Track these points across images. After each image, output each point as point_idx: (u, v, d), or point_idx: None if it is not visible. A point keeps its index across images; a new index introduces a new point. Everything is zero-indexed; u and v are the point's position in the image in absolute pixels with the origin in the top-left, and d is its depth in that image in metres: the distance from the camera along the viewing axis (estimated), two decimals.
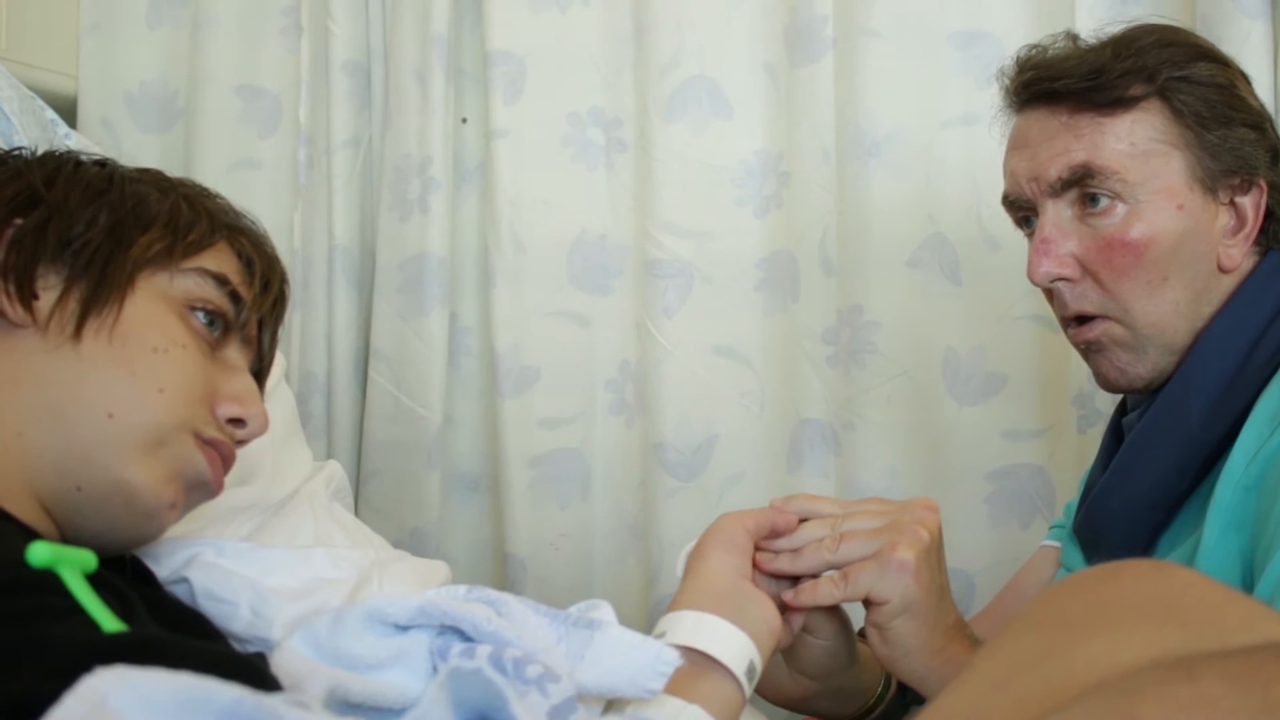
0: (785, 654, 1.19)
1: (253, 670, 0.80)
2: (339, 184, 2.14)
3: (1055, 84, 1.25)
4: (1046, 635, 0.70)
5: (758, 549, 1.11)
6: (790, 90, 2.01)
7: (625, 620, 0.89)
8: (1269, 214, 1.24)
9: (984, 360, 1.89)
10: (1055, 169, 1.24)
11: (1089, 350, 1.29)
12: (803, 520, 1.14)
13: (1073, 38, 1.31)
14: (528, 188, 2.10)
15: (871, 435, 1.93)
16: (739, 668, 0.96)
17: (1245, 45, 1.64)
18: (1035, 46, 1.31)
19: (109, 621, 0.74)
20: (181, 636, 0.87)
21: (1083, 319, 1.27)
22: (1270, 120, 1.26)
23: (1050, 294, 1.30)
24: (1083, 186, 1.23)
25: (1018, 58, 1.32)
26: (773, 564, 1.12)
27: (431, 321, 2.09)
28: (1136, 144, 1.22)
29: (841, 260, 1.96)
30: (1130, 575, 0.73)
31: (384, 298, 2.13)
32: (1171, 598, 0.69)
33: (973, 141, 1.86)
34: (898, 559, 1.07)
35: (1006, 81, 1.32)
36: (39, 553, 0.74)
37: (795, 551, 1.12)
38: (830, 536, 1.11)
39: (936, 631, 1.10)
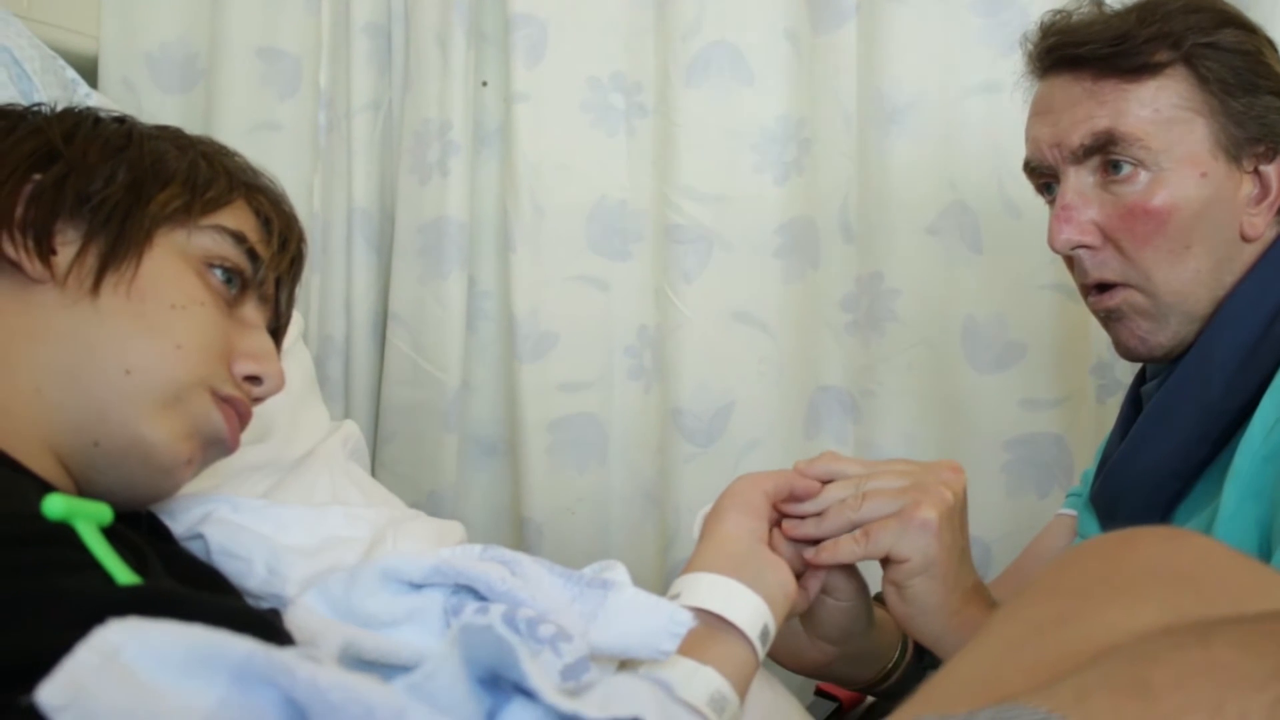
0: (804, 619, 1.19)
1: (266, 626, 0.80)
2: (359, 147, 2.14)
3: (1079, 50, 1.24)
4: (1062, 601, 0.70)
5: (780, 514, 1.11)
6: (812, 56, 2.00)
7: (642, 586, 0.89)
8: None
9: (1003, 329, 1.89)
10: (1078, 135, 1.23)
11: (1109, 318, 1.28)
12: (826, 482, 1.14)
13: (1098, 3, 1.29)
14: (548, 152, 2.09)
15: (890, 403, 1.93)
16: (753, 631, 0.96)
17: (1274, 13, 1.63)
18: (1060, 12, 1.30)
19: (124, 575, 0.75)
20: (195, 591, 0.87)
21: (1103, 287, 1.27)
22: None
23: (1071, 261, 1.29)
24: (1105, 153, 1.22)
25: (1041, 23, 1.31)
26: (798, 530, 1.12)
27: (450, 285, 2.09)
28: (1160, 111, 1.21)
29: (862, 227, 1.95)
30: (1146, 542, 0.73)
31: (403, 261, 2.13)
32: (1186, 564, 0.69)
33: (995, 109, 1.85)
34: (920, 518, 1.07)
35: (1030, 47, 1.31)
36: (54, 505, 0.74)
37: (819, 515, 1.12)
38: (854, 495, 1.11)
39: (955, 593, 1.10)
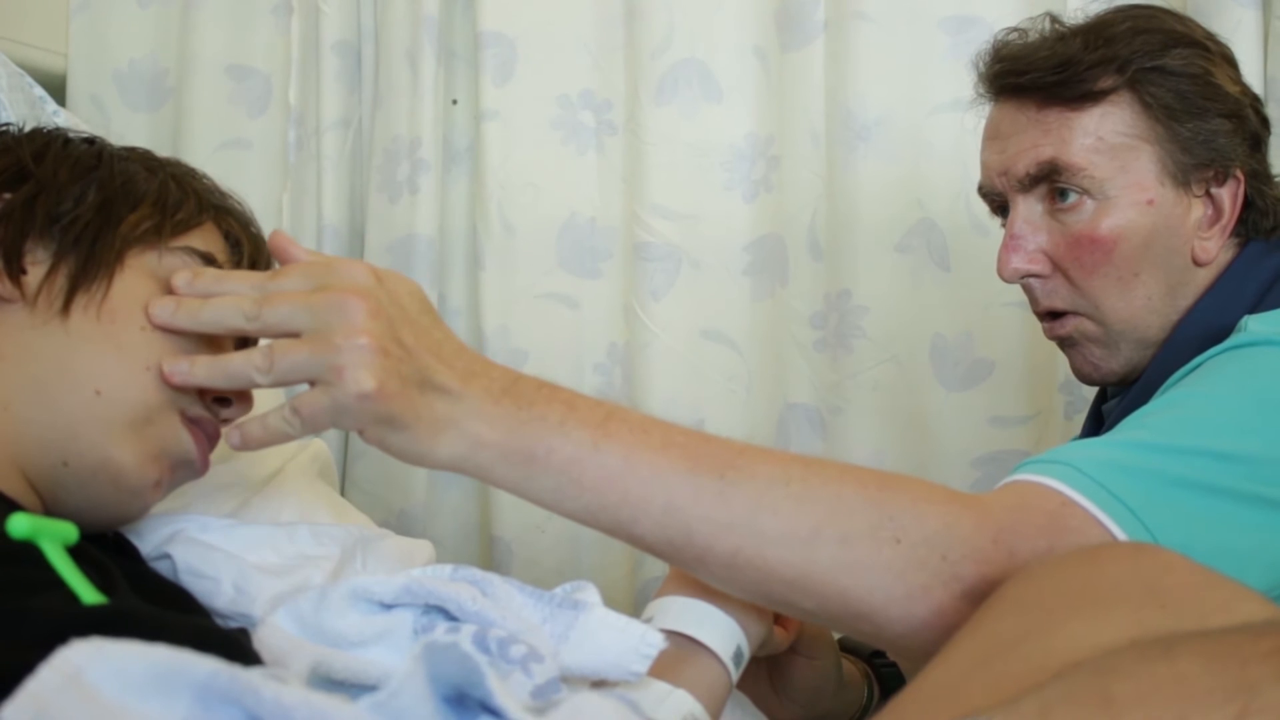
0: (773, 680, 1.19)
1: (233, 645, 0.80)
2: (328, 165, 2.13)
3: (1022, 78, 1.24)
4: (1027, 616, 0.70)
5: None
6: (780, 74, 2.01)
7: (612, 603, 0.90)
8: (1248, 203, 1.23)
9: (971, 346, 1.89)
10: (1023, 164, 1.23)
11: (1063, 344, 1.29)
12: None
13: (1052, 20, 1.29)
14: (517, 170, 2.09)
15: (858, 420, 1.93)
16: (725, 652, 0.96)
17: (1236, 33, 1.64)
18: (1014, 30, 1.30)
19: (89, 594, 0.74)
20: (161, 610, 0.87)
21: (1055, 314, 1.27)
22: (1252, 105, 1.25)
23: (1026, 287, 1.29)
24: (1051, 182, 1.22)
25: (993, 44, 1.30)
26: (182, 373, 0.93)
27: None
28: (1104, 138, 1.20)
29: (830, 245, 1.95)
30: (1111, 557, 0.74)
31: None
32: (1152, 580, 0.69)
33: (962, 127, 1.83)
34: (355, 393, 0.86)
35: (981, 68, 1.31)
36: (19, 524, 0.74)
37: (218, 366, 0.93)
38: (261, 351, 0.90)
39: (427, 423, 0.90)
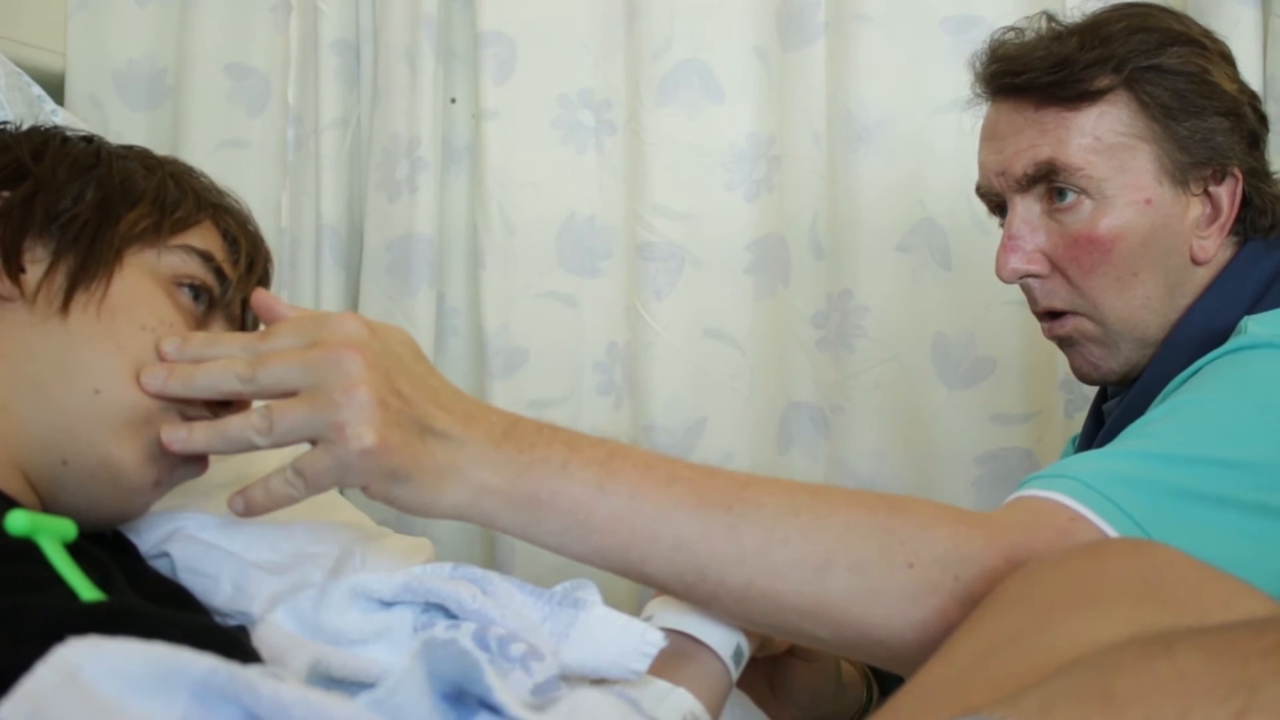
0: (774, 682, 1.19)
1: (232, 642, 0.80)
2: (327, 163, 2.13)
3: (1019, 78, 1.23)
4: (1027, 612, 0.70)
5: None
6: (782, 74, 2.01)
7: (614, 602, 0.90)
8: (1246, 201, 1.22)
9: (973, 345, 1.89)
10: (1021, 165, 1.23)
11: (1062, 344, 1.29)
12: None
13: (1049, 19, 1.28)
14: (517, 169, 2.09)
15: (860, 418, 1.93)
16: (725, 651, 0.96)
17: (1235, 31, 1.64)
18: (1010, 29, 1.29)
19: (87, 591, 0.74)
20: (160, 607, 0.87)
21: (1054, 314, 1.27)
22: (1250, 103, 1.25)
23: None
24: (1049, 182, 1.22)
25: (990, 43, 1.30)
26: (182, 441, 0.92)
27: (419, 302, 2.08)
28: (1102, 138, 1.20)
29: (832, 244, 1.95)
30: (1111, 553, 0.74)
31: (372, 278, 2.13)
32: (1152, 576, 0.69)
33: (963, 126, 1.84)
34: (356, 450, 0.84)
35: (978, 68, 1.30)
36: (17, 521, 0.74)
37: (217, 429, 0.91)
38: (259, 413, 0.88)
39: (430, 473, 0.88)
